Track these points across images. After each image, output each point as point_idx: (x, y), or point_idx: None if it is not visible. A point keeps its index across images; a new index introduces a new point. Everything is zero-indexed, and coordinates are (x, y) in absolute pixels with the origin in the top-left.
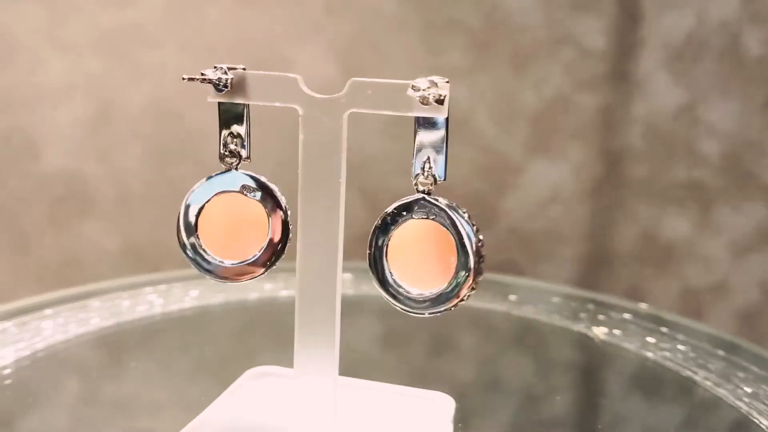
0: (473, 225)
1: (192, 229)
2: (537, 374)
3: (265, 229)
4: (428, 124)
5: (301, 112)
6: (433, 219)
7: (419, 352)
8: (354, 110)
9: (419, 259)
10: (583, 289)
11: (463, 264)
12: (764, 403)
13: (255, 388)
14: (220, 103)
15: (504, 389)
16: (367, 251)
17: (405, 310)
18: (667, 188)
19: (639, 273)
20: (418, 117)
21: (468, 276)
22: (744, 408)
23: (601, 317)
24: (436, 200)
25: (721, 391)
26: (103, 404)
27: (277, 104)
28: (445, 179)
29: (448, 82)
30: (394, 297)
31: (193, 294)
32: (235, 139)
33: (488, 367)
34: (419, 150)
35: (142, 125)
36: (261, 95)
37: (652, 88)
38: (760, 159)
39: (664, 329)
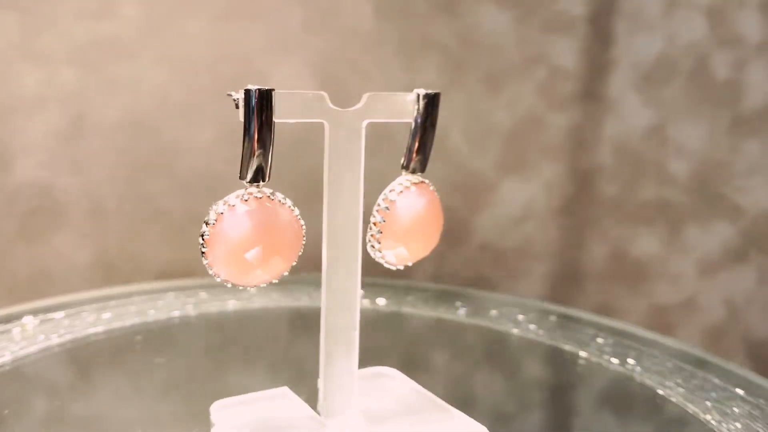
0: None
1: None
2: (507, 388)
3: None
4: None
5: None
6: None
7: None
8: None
9: None
10: (555, 304)
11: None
12: (731, 418)
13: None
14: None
15: (475, 403)
16: None
17: None
18: (636, 207)
19: (609, 290)
20: None
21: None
22: (712, 422)
23: (571, 332)
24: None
25: (689, 406)
26: (70, 421)
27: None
28: (243, 179)
29: (258, 90)
30: None
31: (159, 307)
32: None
33: (458, 381)
34: None
35: (116, 138)
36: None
37: (623, 108)
38: (728, 179)
39: (632, 345)
